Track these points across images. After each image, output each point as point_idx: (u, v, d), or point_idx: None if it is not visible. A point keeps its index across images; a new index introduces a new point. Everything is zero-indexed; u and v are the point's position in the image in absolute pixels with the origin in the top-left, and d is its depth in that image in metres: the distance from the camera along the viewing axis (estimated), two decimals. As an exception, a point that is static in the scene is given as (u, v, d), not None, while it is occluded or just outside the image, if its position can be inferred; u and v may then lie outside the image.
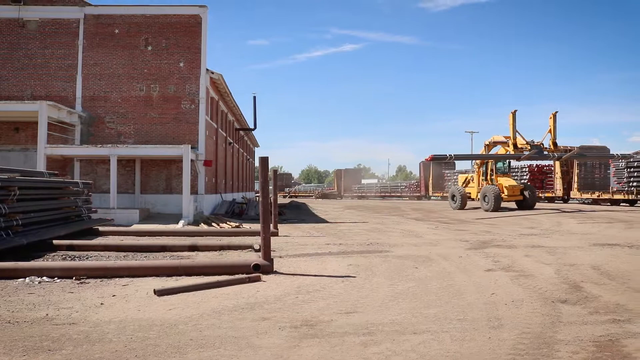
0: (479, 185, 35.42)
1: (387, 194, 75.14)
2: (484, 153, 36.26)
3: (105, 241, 14.46)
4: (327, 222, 24.72)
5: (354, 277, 9.18)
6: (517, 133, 32.35)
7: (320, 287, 8.20)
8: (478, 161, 36.33)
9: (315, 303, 7.15)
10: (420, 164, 66.53)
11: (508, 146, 33.01)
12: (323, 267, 10.33)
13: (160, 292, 7.60)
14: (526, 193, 32.81)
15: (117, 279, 8.87)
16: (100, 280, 8.76)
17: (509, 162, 35.50)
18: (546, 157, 33.53)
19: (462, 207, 34.97)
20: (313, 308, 6.85)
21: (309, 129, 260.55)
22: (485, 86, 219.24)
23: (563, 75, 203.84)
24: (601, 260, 10.92)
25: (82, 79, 25.53)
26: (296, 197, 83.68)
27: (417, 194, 65.62)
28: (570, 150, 33.17)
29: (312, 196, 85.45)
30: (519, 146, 32.17)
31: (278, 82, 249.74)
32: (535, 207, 32.95)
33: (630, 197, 34.37)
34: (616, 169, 36.68)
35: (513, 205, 33.72)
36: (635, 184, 34.15)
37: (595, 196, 37.94)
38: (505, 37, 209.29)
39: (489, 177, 34.56)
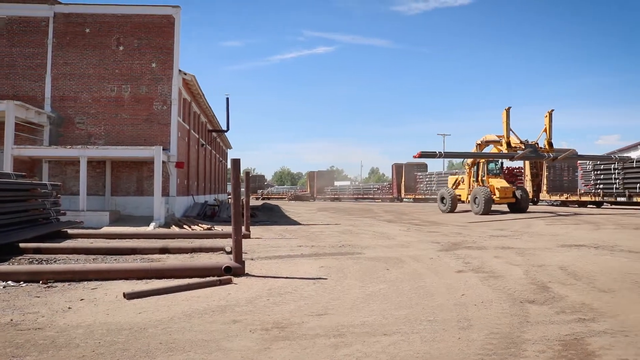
0: (469, 187, 33.46)
1: (360, 196, 75.50)
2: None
3: (74, 244, 14.22)
4: (299, 224, 24.70)
5: (326, 279, 9.19)
6: (510, 132, 30.80)
7: (292, 289, 8.19)
8: (469, 161, 34.06)
9: (287, 305, 7.14)
10: (392, 166, 66.94)
11: (501, 145, 31.22)
12: (295, 269, 10.32)
13: (129, 296, 7.51)
14: (518, 195, 31.16)
15: (86, 282, 8.73)
16: (68, 284, 8.61)
17: (502, 163, 33.80)
18: (541, 157, 31.72)
19: (452, 210, 33.16)
20: (284, 310, 6.84)
21: (282, 131, 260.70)
22: (457, 89, 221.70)
23: (532, 80, 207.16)
24: (568, 261, 11.12)
25: (52, 78, 25.12)
26: (269, 199, 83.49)
27: (390, 196, 66.06)
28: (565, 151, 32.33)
29: (285, 198, 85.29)
30: (513, 145, 30.55)
31: (251, 84, 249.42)
32: (528, 210, 31.14)
33: (596, 199, 35.09)
34: (584, 172, 37.43)
35: (505, 208, 32.34)
36: (601, 186, 34.90)
37: (563, 198, 38.61)
38: (477, 41, 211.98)
39: (480, 178, 32.77)
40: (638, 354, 5.03)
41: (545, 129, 30.40)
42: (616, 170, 33.53)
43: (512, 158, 31.35)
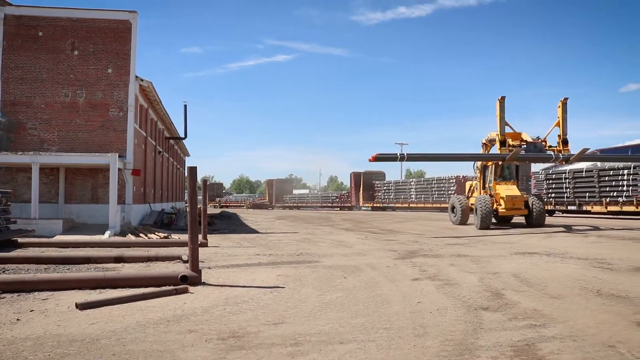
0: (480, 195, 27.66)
1: (318, 205, 75.72)
2: (483, 153, 28.98)
3: (25, 253, 13.81)
4: (257, 232, 24.59)
5: (283, 287, 9.18)
6: (506, 126, 25.83)
7: (249, 298, 8.15)
8: (479, 165, 28.60)
9: (243, 314, 7.09)
10: (351, 174, 67.50)
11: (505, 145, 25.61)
12: (252, 278, 10.26)
13: (82, 306, 7.34)
14: (532, 204, 25.35)
15: (37, 292, 8.48)
16: (17, 294, 8.35)
17: (516, 166, 28.01)
18: (546, 158, 26.28)
19: (464, 221, 28.46)
20: (241, 319, 6.80)
21: (241, 139, 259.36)
22: (415, 99, 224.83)
23: (493, 89, 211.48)
24: (521, 269, 11.38)
25: (2, 82, 24.39)
26: (227, 207, 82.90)
27: (348, 205, 66.52)
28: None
29: (243, 206, 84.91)
30: (512, 144, 25.59)
31: (210, 91, 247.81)
32: (545, 224, 25.56)
33: (549, 208, 36.08)
34: (536, 181, 38.47)
35: (522, 219, 27.50)
36: (553, 194, 35.92)
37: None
38: (435, 51, 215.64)
39: (487, 184, 27.67)
40: (586, 358, 5.19)
41: (558, 122, 25.25)
42: (567, 180, 34.58)
43: (503, 160, 25.57)
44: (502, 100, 25.31)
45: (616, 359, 5.19)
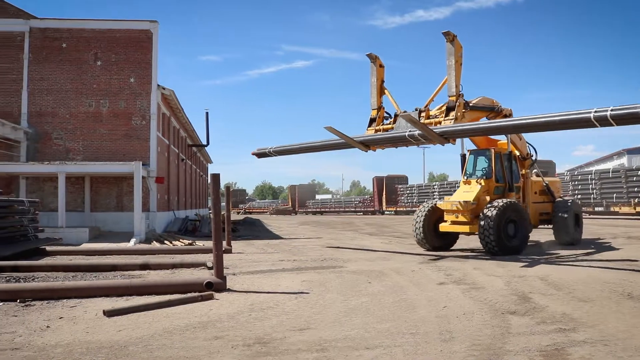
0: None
1: (341, 209, 75.57)
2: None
3: (53, 261, 14.02)
4: (281, 238, 24.64)
5: (308, 293, 9.17)
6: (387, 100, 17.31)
7: (274, 304, 8.15)
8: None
9: (269, 320, 7.10)
10: (373, 179, 67.33)
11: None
12: (277, 284, 10.28)
13: (109, 313, 7.42)
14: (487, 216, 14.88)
15: (65, 300, 8.59)
16: (46, 302, 8.47)
17: (498, 156, 16.63)
18: (395, 139, 16.27)
19: None
20: (266, 325, 6.80)
21: (263, 145, 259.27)
22: (437, 101, 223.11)
23: (513, 91, 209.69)
24: (548, 272, 11.23)
25: (28, 94, 24.82)
26: (250, 213, 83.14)
27: (371, 209, 66.28)
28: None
29: (266, 212, 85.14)
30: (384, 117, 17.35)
31: (230, 98, 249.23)
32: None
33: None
34: (561, 182, 37.97)
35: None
36: (579, 196, 35.40)
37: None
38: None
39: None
40: (618, 363, 5.10)
41: (446, 79, 15.57)
42: (593, 181, 34.08)
43: (366, 146, 16.98)
44: (374, 59, 17.35)
45: (649, 363, 5.09)
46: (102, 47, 25.39)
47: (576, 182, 35.93)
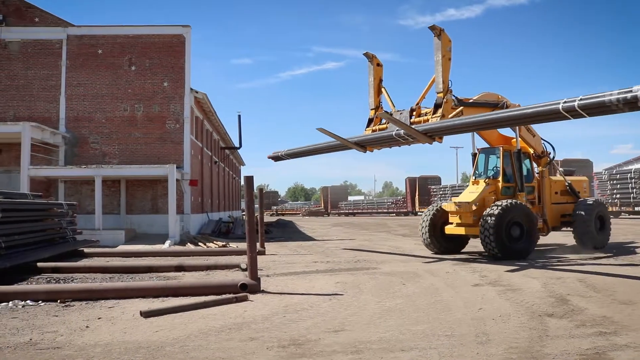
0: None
1: (373, 211, 75.30)
2: None
3: (91, 263, 14.31)
4: (314, 239, 24.67)
5: (342, 294, 9.16)
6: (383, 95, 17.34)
7: (308, 306, 8.16)
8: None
9: (303, 322, 7.11)
10: (406, 180, 66.94)
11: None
12: (310, 286, 10.29)
13: (146, 314, 7.53)
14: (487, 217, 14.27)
15: (103, 301, 8.76)
16: (85, 302, 8.65)
17: (508, 154, 15.98)
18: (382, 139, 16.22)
19: None
20: (301, 327, 6.81)
21: (295, 146, 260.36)
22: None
23: (548, 88, 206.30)
24: (586, 273, 10.99)
25: (66, 99, 25.40)
26: (283, 215, 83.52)
27: (404, 210, 65.90)
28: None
29: (299, 214, 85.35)
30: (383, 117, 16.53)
31: (263, 100, 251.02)
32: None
33: (614, 210, 34.79)
34: (600, 182, 37.13)
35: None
36: (618, 195, 34.59)
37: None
38: (487, 52, 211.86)
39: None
40: (662, 367, 4.96)
41: (434, 78, 15.10)
42: (632, 180, 33.26)
43: (362, 147, 17.03)
44: (371, 57, 17.47)
45: (695, 367, 4.94)
46: (136, 53, 25.83)
47: (615, 182, 35.12)
